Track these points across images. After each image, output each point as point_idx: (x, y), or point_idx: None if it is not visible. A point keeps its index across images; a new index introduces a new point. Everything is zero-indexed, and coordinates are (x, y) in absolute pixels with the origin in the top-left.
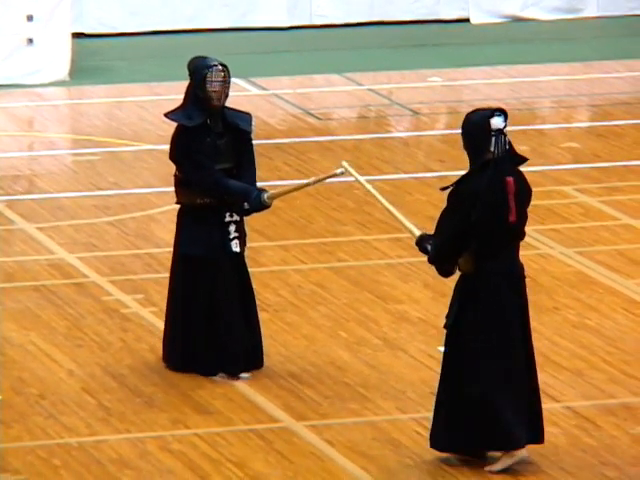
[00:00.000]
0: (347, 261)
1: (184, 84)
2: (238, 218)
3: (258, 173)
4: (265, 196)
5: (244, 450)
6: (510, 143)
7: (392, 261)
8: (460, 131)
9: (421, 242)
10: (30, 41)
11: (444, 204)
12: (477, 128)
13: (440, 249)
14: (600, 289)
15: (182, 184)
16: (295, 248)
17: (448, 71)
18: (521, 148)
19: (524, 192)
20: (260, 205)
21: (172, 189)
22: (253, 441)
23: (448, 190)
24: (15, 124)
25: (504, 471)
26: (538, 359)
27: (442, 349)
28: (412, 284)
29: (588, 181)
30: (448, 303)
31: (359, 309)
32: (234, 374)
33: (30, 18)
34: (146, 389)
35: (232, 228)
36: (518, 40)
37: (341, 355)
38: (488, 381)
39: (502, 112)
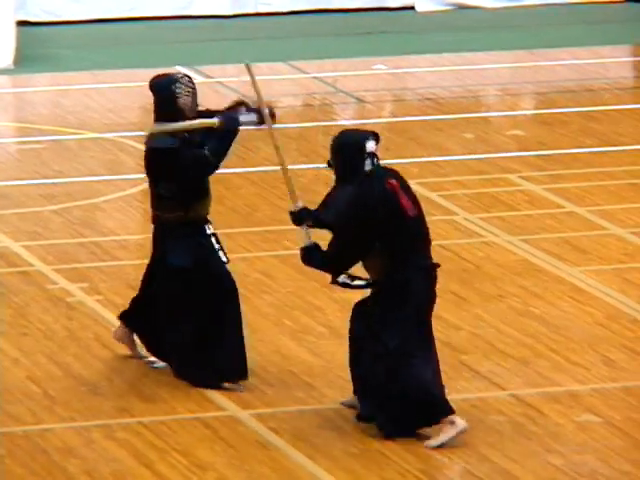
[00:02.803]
0: (292, 249)
1: (129, 72)
2: (215, 231)
3: None
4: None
5: (189, 438)
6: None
7: None
8: (332, 149)
9: (300, 213)
10: None
11: None
12: (353, 150)
13: (341, 259)
14: (545, 277)
15: (166, 199)
16: (240, 236)
17: (393, 59)
18: (466, 136)
19: (408, 187)
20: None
21: (117, 177)
22: (198, 429)
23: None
24: None
25: (442, 446)
26: (484, 347)
27: None
28: (358, 272)
29: (533, 169)
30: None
31: (304, 297)
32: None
33: None
34: (91, 378)
35: (214, 240)
36: (463, 28)
37: (286, 343)
38: (416, 370)
39: (375, 136)
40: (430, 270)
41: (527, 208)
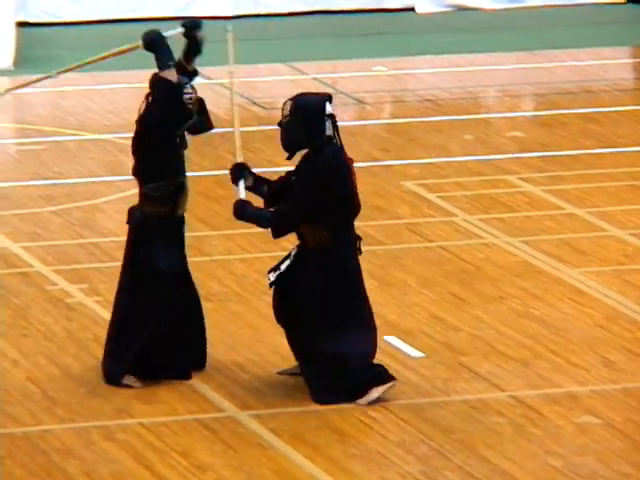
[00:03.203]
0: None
1: (129, 73)
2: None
3: (203, 163)
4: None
5: (189, 440)
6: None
7: None
8: (292, 112)
9: (239, 170)
10: None
11: (387, 192)
12: (315, 111)
13: (293, 219)
14: (545, 278)
15: (146, 197)
16: (239, 237)
17: (393, 60)
18: (466, 137)
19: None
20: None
21: (117, 178)
22: (198, 431)
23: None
24: None
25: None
26: (484, 348)
27: (388, 338)
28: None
29: (533, 170)
30: (392, 293)
31: None
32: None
33: None
34: (91, 379)
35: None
36: (463, 29)
37: (286, 344)
38: (345, 337)
39: (330, 98)
40: (356, 242)
41: (527, 209)
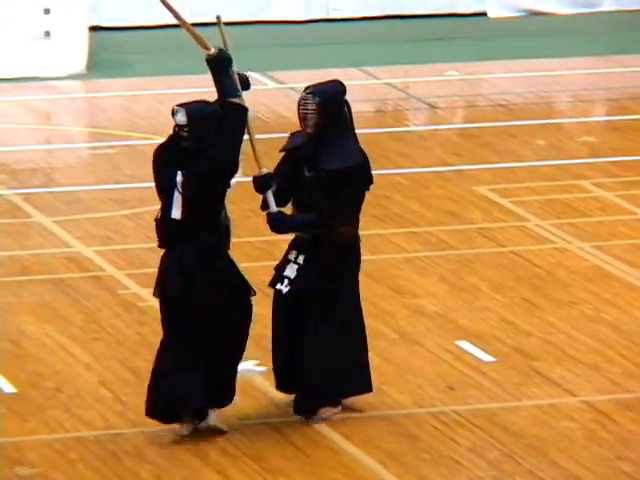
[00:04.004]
0: (364, 255)
1: (200, 77)
2: None
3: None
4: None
5: (260, 444)
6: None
7: (409, 255)
8: (314, 102)
9: (266, 178)
10: (47, 34)
11: (459, 197)
12: (341, 99)
13: (340, 214)
14: (617, 283)
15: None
16: None
17: (465, 65)
18: (538, 142)
19: None
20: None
21: None
22: (269, 435)
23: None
24: (32, 117)
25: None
26: (555, 353)
27: (460, 343)
28: (429, 278)
29: (605, 175)
30: (464, 297)
31: (376, 303)
32: None
33: (47, 11)
34: None
35: None
36: (535, 34)
37: None
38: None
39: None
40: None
41: (599, 214)
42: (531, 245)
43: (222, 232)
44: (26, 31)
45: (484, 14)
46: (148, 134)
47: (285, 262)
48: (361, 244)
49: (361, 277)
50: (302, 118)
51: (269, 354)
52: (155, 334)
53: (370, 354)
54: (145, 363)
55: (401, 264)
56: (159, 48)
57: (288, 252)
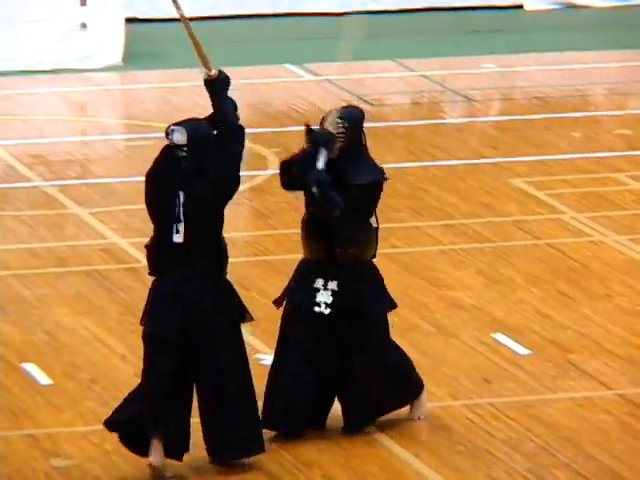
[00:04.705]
0: (400, 247)
1: (237, 70)
2: None
3: None
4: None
5: (295, 437)
6: None
7: (445, 247)
8: (351, 123)
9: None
10: (83, 26)
11: (495, 190)
12: (361, 127)
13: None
14: None
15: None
16: None
17: (501, 57)
18: (574, 135)
19: None
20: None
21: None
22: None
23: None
24: (68, 109)
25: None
26: (591, 346)
27: (496, 336)
28: (465, 271)
29: None
30: (500, 290)
31: (412, 295)
32: None
33: (84, 3)
34: None
35: None
36: (571, 27)
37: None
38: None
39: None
40: None
41: (635, 207)
42: (567, 238)
43: (223, 254)
44: (63, 23)
45: (520, 7)
46: None
47: (310, 290)
48: (396, 240)
49: (396, 269)
50: None
51: None
52: None
53: (406, 346)
54: None
55: (437, 256)
56: None
57: (306, 278)
